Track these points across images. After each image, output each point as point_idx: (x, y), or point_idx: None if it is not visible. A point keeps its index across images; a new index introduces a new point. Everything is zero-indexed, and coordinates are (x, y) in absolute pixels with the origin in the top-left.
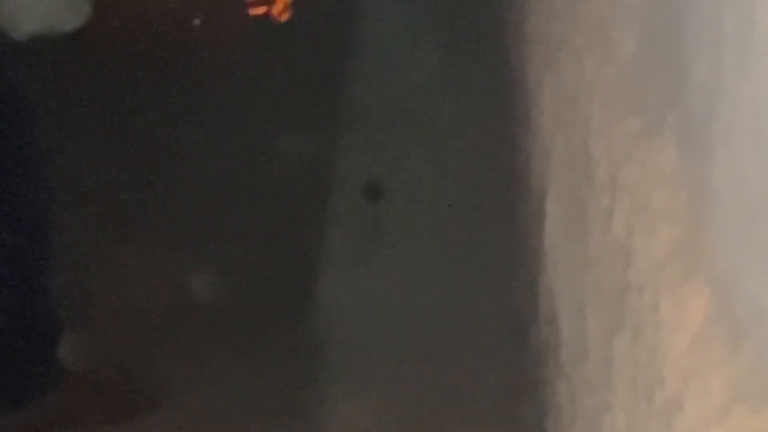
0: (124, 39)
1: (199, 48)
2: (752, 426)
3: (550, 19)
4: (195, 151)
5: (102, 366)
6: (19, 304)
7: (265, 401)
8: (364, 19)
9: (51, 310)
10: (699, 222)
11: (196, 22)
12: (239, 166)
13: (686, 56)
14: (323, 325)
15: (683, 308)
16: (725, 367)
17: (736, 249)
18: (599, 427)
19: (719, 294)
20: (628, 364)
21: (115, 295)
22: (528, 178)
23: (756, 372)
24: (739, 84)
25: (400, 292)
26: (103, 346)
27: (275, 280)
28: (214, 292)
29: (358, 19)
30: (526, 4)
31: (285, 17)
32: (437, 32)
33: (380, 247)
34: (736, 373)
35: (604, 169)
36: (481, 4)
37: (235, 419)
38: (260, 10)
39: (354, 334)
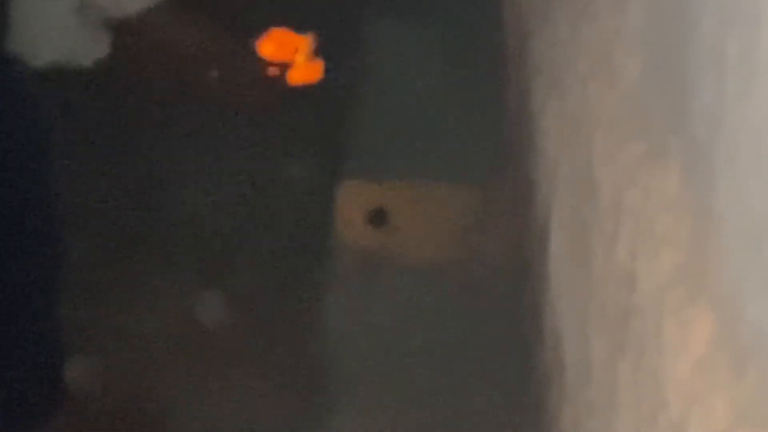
0: (139, 78)
1: (213, 96)
2: None
3: (554, 44)
4: (201, 176)
5: (106, 389)
6: (24, 329)
7: (270, 425)
8: (368, 45)
9: (56, 334)
10: (702, 246)
11: (214, 73)
12: (245, 191)
13: (689, 81)
14: (328, 349)
15: (687, 332)
16: (729, 390)
17: (740, 273)
18: None
19: (723, 318)
20: (631, 388)
21: (119, 318)
22: (532, 201)
23: (759, 395)
24: (742, 109)
25: (404, 317)
26: (107, 370)
27: (280, 304)
28: (219, 317)
29: (361, 45)
30: (530, 30)
31: (300, 82)
32: (440, 58)
33: (385, 272)
34: (739, 396)
35: (607, 193)
36: (484, 30)
37: None
38: (275, 72)
39: (358, 358)
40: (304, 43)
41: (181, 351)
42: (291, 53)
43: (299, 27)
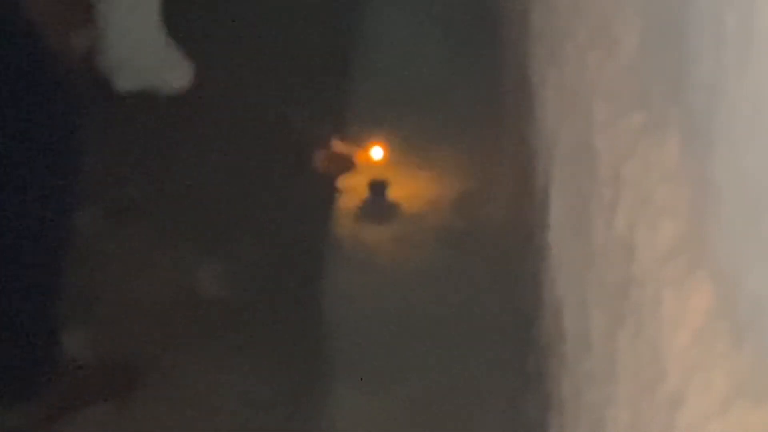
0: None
1: None
2: (754, 420)
3: (554, 14)
4: (203, 147)
5: (105, 358)
6: (25, 297)
7: (269, 396)
8: (367, 14)
9: (56, 303)
10: (701, 217)
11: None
12: (247, 161)
13: (688, 52)
14: (329, 321)
15: (686, 303)
16: (727, 361)
17: (738, 244)
18: (602, 421)
19: (721, 289)
20: (630, 358)
21: (119, 287)
22: (532, 172)
23: (758, 366)
24: (740, 80)
25: (404, 287)
26: (107, 338)
27: (281, 275)
28: (219, 287)
29: (360, 14)
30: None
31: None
32: (441, 28)
33: (386, 243)
34: (737, 367)
35: (607, 164)
36: (484, 1)
37: (237, 414)
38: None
39: (360, 328)
40: None
41: (180, 322)
42: None
43: None
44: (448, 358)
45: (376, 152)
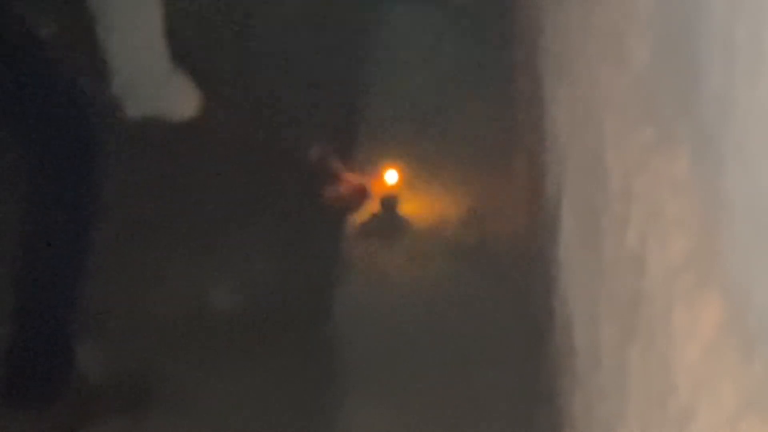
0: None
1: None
2: None
3: (565, 29)
4: (216, 165)
5: (116, 372)
6: (41, 311)
7: (281, 410)
8: (380, 30)
9: (71, 317)
10: (712, 231)
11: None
12: (259, 178)
13: (699, 65)
14: (340, 336)
15: (696, 317)
16: (737, 375)
17: (749, 258)
18: None
19: (731, 303)
20: (641, 373)
21: (132, 302)
22: (543, 187)
23: (767, 381)
24: (751, 93)
25: (416, 304)
26: (120, 352)
27: (292, 290)
28: (231, 302)
29: (374, 29)
30: (542, 15)
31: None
32: (453, 43)
33: (397, 259)
34: (748, 381)
35: (617, 179)
36: (496, 15)
37: (249, 428)
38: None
39: (371, 342)
40: None
41: (192, 336)
42: None
43: None
44: (459, 373)
45: (390, 177)
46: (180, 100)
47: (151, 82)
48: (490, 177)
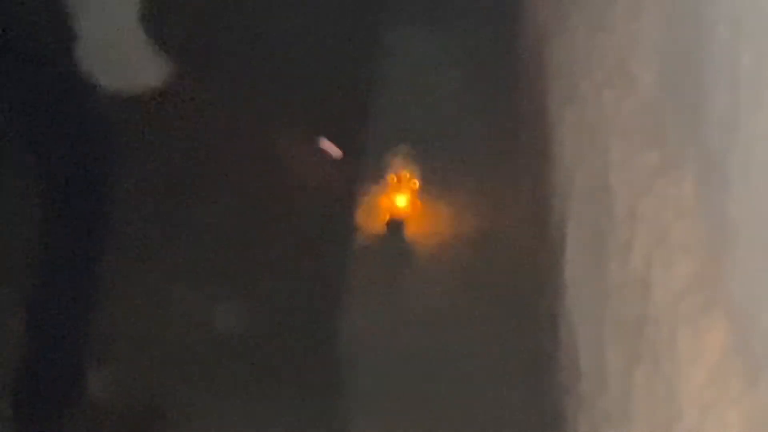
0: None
1: None
2: None
3: (571, 52)
4: (219, 183)
5: (126, 396)
6: (53, 334)
7: None
8: (387, 53)
9: (78, 342)
10: (717, 254)
11: None
12: (265, 199)
13: (704, 90)
14: (345, 359)
15: (701, 341)
16: (742, 399)
17: (754, 282)
18: None
19: (736, 326)
20: (646, 397)
21: (138, 325)
22: (548, 211)
23: None
24: (756, 117)
25: (422, 325)
26: (126, 377)
27: (297, 313)
28: (237, 326)
29: (380, 53)
30: (548, 38)
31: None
32: (459, 66)
33: (404, 281)
34: (753, 405)
35: (623, 202)
36: (502, 39)
37: None
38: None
39: (377, 366)
40: None
41: (199, 359)
42: None
43: None
44: (465, 397)
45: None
46: (148, 69)
47: (119, 47)
48: (495, 200)
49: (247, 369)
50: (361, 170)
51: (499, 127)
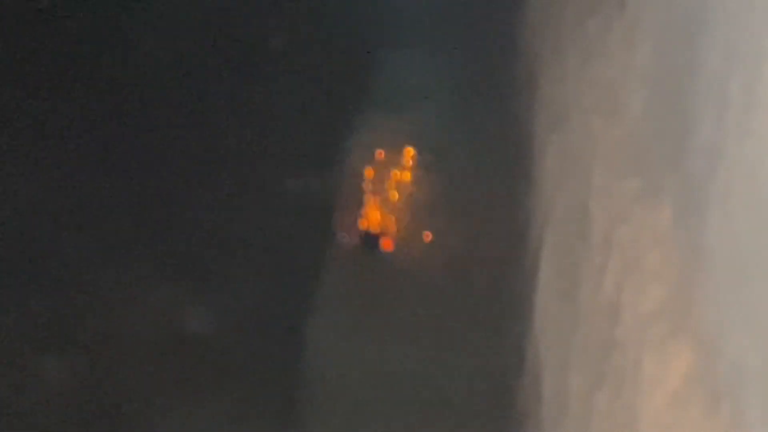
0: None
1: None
2: None
3: (562, 78)
4: (197, 187)
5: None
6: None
7: None
8: (378, 81)
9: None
10: (688, 282)
11: None
12: (243, 207)
13: (691, 118)
14: (310, 369)
15: (665, 366)
16: (703, 425)
17: (722, 310)
18: None
19: (702, 354)
20: (606, 421)
21: (106, 320)
22: (525, 235)
23: (733, 431)
24: (741, 144)
25: (388, 343)
26: (90, 369)
27: (267, 320)
28: (205, 326)
29: (372, 81)
30: (540, 66)
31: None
32: (450, 91)
33: (374, 297)
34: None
35: (599, 228)
36: (493, 64)
37: None
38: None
39: (339, 379)
40: None
41: (164, 357)
42: None
43: None
44: (424, 415)
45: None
46: None
47: None
48: (475, 221)
49: (210, 371)
50: (341, 183)
51: (482, 151)
